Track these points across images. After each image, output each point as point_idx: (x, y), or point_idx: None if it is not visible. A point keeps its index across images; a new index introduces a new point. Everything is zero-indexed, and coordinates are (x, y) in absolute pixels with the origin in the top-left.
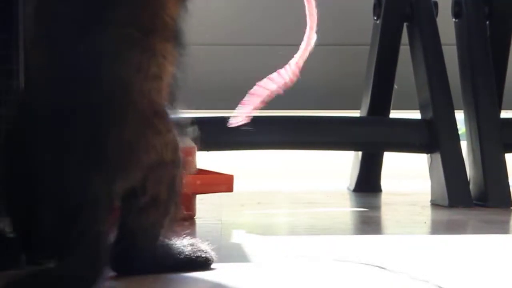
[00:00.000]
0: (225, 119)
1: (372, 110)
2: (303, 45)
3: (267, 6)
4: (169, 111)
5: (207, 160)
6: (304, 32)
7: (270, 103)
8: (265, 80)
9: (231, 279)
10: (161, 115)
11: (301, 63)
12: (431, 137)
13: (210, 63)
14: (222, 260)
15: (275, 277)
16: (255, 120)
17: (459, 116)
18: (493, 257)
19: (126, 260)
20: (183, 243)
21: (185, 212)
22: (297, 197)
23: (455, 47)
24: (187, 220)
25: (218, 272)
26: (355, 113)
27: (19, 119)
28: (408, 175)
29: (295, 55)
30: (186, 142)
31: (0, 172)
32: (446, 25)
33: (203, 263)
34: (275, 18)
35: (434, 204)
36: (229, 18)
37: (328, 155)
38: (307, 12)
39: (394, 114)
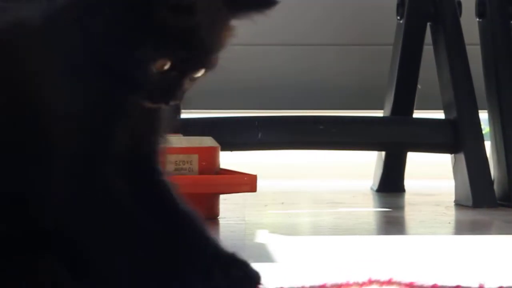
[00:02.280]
0: (247, 119)
1: (396, 110)
2: None
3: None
4: None
5: (231, 160)
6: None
7: (293, 103)
8: None
9: None
10: None
11: None
12: (455, 137)
13: (232, 64)
14: (246, 260)
15: (299, 277)
16: (279, 120)
17: (483, 116)
18: None
19: None
20: None
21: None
22: (320, 197)
23: (479, 47)
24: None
25: None
26: (379, 113)
27: None
28: (432, 175)
29: None
30: (209, 142)
31: None
32: (470, 24)
33: None
34: (290, 18)
35: (458, 204)
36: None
37: (351, 155)
38: None
39: (417, 114)
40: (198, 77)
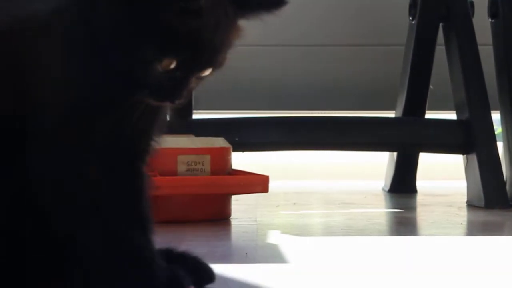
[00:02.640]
0: (260, 120)
1: (408, 110)
2: None
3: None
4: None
5: (243, 161)
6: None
7: (305, 104)
8: None
9: (267, 280)
10: None
11: None
12: (467, 138)
13: (243, 65)
14: (257, 260)
15: (311, 278)
16: (291, 121)
17: (496, 116)
18: None
19: None
20: None
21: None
22: (332, 197)
23: (491, 47)
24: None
25: (253, 273)
26: (391, 114)
27: None
28: (444, 176)
29: None
30: (221, 142)
31: None
32: (482, 25)
33: None
34: (304, 19)
35: (470, 205)
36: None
37: (363, 156)
38: None
39: (429, 115)
40: (205, 76)
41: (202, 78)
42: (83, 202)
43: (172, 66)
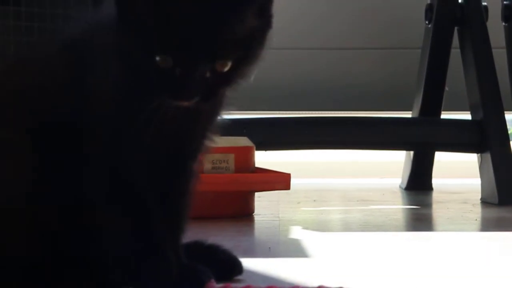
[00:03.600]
0: (282, 120)
1: (424, 111)
2: None
3: (325, 9)
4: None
5: (266, 159)
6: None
7: (325, 105)
8: None
9: (289, 273)
10: None
11: None
12: (481, 137)
13: (266, 67)
14: (280, 255)
15: (331, 271)
16: (313, 121)
17: (509, 117)
18: None
19: None
20: None
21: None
22: (351, 195)
23: (504, 50)
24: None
25: (276, 266)
26: (407, 114)
27: None
28: (459, 174)
29: None
30: (245, 141)
31: None
32: (496, 28)
33: None
34: (333, 22)
35: (484, 202)
36: (288, 21)
37: (381, 154)
38: None
39: (445, 115)
40: (229, 73)
41: (226, 76)
42: (119, 199)
43: (170, 63)
